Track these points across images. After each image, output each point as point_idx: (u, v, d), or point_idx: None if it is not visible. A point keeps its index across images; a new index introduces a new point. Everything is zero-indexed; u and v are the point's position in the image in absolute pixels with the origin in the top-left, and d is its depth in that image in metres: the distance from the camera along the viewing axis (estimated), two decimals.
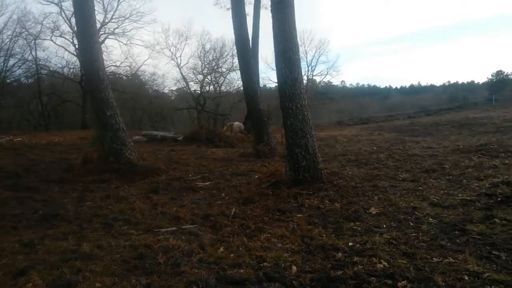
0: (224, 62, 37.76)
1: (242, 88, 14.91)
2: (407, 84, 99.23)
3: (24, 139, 17.12)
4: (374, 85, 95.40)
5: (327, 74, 46.61)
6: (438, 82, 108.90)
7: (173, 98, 46.64)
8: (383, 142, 13.15)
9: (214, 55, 37.66)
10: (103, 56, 12.27)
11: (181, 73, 37.37)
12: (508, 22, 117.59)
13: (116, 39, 31.87)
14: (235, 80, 39.83)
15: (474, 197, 5.38)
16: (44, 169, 9.22)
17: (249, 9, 15.15)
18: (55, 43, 30.12)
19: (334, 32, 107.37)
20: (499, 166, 7.35)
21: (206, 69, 37.82)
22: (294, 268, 3.38)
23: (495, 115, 20.63)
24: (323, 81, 50.51)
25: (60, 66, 32.29)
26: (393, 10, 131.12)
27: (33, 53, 29.67)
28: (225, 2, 18.82)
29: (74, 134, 20.65)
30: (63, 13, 28.46)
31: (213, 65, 37.83)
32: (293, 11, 6.77)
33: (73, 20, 25.26)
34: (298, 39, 7.06)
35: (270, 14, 6.88)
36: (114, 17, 30.68)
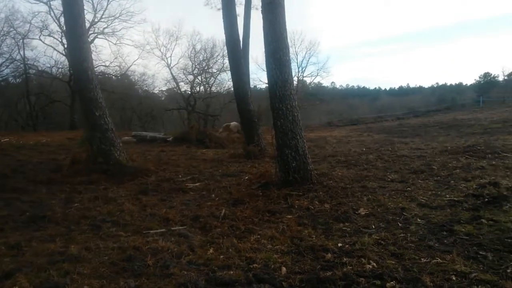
0: (215, 62, 37.73)
1: (232, 89, 14.86)
2: (396, 85, 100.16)
3: (12, 139, 16.90)
4: (363, 87, 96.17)
5: (317, 75, 46.83)
6: (426, 84, 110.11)
7: (163, 98, 46.47)
8: (372, 143, 13.24)
9: (205, 56, 37.60)
10: (92, 55, 12.17)
11: (171, 73, 37.24)
12: (495, 25, 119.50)
13: (106, 39, 31.63)
14: (226, 80, 39.91)
15: (461, 198, 5.45)
16: (31, 170, 9.10)
17: (240, 10, 15.11)
18: (43, 42, 29.82)
19: (324, 33, 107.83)
20: (486, 167, 7.45)
21: (196, 69, 37.76)
22: (283, 269, 3.38)
23: (483, 116, 20.91)
24: (313, 82, 50.76)
25: (49, 65, 31.98)
26: (382, 12, 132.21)
27: (21, 52, 29.34)
28: (216, 2, 18.73)
29: (62, 135, 20.43)
30: (52, 12, 28.18)
31: (203, 65, 37.77)
32: (284, 12, 6.79)
33: (62, 19, 25.07)
34: (289, 40, 7.09)
35: (261, 15, 6.88)
36: (103, 16, 30.44)
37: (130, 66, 35.72)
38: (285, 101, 6.64)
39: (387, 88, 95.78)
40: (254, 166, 9.36)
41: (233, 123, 19.57)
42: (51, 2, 27.68)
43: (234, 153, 11.46)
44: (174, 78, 37.45)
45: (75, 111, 29.23)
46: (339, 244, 3.92)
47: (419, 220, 4.60)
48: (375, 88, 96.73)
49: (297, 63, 44.62)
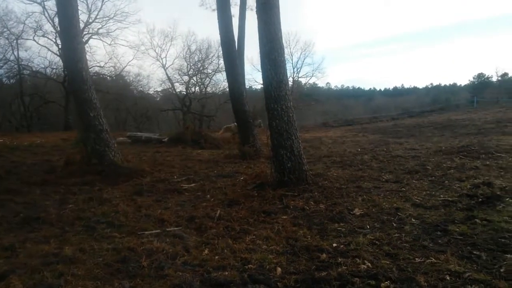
0: (210, 63, 37.76)
1: (228, 90, 14.87)
2: (390, 86, 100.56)
3: (6, 140, 16.79)
4: (358, 87, 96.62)
5: (312, 76, 47.04)
6: (421, 85, 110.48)
7: (158, 99, 46.40)
8: (367, 144, 13.27)
9: (200, 56, 37.62)
10: (87, 56, 12.09)
11: (166, 74, 37.21)
12: (489, 26, 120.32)
13: (100, 39, 31.54)
14: (221, 81, 39.89)
15: (455, 198, 5.48)
16: (25, 171, 9.05)
17: (235, 11, 15.10)
18: (37, 43, 29.66)
19: (319, 35, 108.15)
20: (480, 167, 7.49)
21: (191, 70, 37.76)
22: (278, 269, 3.39)
23: (477, 117, 21.03)
24: (309, 83, 50.87)
25: (43, 66, 31.83)
26: (376, 13, 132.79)
27: (15, 53, 29.19)
28: (211, 3, 18.69)
29: (56, 136, 20.33)
30: (46, 13, 28.04)
31: (198, 66, 37.77)
32: (278, 12, 6.80)
33: (56, 19, 24.91)
34: (284, 41, 7.10)
35: (256, 16, 6.89)
36: (98, 17, 30.34)
37: (125, 66, 35.64)
38: (280, 101, 6.65)
39: (382, 89, 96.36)
40: (250, 166, 9.36)
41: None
42: (45, 3, 27.61)
43: (230, 154, 11.45)
44: (169, 78, 37.46)
45: (69, 112, 29.10)
46: (334, 244, 3.93)
47: (414, 220, 4.62)
48: (370, 88, 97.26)
49: (292, 63, 44.82)
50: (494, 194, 5.40)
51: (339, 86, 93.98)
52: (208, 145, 14.79)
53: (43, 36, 29.35)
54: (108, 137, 8.93)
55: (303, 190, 6.23)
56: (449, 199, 5.44)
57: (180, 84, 38.78)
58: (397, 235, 4.13)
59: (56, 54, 29.90)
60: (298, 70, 46.09)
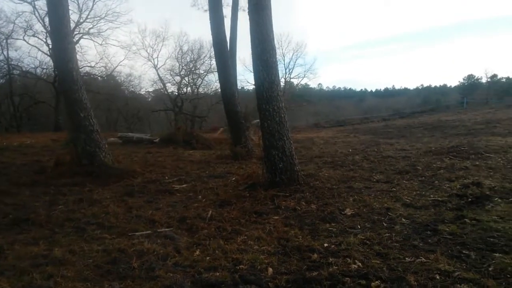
0: (202, 63, 37.68)
1: (220, 90, 14.85)
2: (381, 87, 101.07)
3: None
4: (350, 88, 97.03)
5: (304, 77, 47.08)
6: (412, 86, 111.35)
7: (149, 99, 46.18)
8: (358, 144, 13.34)
9: (192, 57, 37.53)
10: (78, 56, 12.04)
11: (158, 74, 37.06)
12: (479, 28, 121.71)
13: (91, 39, 31.33)
14: (213, 82, 39.84)
15: (445, 197, 5.53)
16: (15, 172, 8.96)
17: (227, 11, 15.10)
18: (27, 42, 29.37)
19: (311, 36, 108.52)
20: (469, 168, 7.57)
21: (183, 70, 37.64)
22: (270, 270, 3.39)
23: (466, 118, 21.25)
24: (300, 84, 50.98)
25: (33, 66, 31.52)
26: (368, 14, 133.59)
27: (5, 52, 28.89)
28: (203, 3, 18.73)
29: (46, 136, 20.13)
30: (36, 12, 27.78)
31: (190, 66, 37.68)
32: (270, 13, 6.80)
33: (46, 19, 24.64)
34: (276, 42, 7.12)
35: (248, 17, 6.89)
36: (89, 17, 30.15)
37: (116, 66, 35.53)
38: (272, 102, 6.66)
39: (373, 90, 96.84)
40: (241, 167, 9.35)
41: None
42: (36, 2, 27.33)
43: (221, 154, 11.44)
44: (161, 79, 37.31)
45: (59, 112, 28.87)
46: (325, 244, 3.94)
47: (404, 220, 4.66)
48: (361, 89, 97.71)
49: (284, 64, 44.88)
50: (483, 194, 5.46)
51: (331, 87, 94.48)
52: (199, 146, 14.76)
53: (33, 36, 29.13)
54: (98, 138, 8.87)
55: (295, 191, 6.24)
56: (439, 199, 5.49)
57: (172, 85, 38.72)
58: (387, 234, 4.16)
59: (46, 54, 29.69)
60: (290, 71, 46.20)
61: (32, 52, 36.38)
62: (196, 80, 39.03)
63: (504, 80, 60.56)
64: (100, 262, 3.62)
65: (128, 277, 3.31)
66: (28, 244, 4.22)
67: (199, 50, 37.23)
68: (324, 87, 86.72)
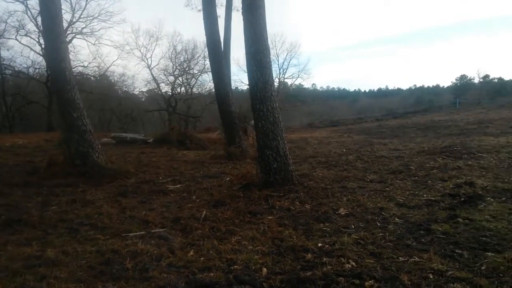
0: (196, 63, 37.61)
1: (213, 90, 14.84)
2: (375, 87, 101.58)
3: None
4: (343, 88, 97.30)
5: (298, 77, 47.09)
6: (405, 86, 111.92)
7: (143, 99, 45.99)
8: (352, 144, 13.39)
9: (186, 57, 37.45)
10: (70, 56, 11.96)
11: (151, 74, 36.93)
12: (470, 29, 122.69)
13: (84, 39, 31.15)
14: (207, 82, 39.82)
15: (438, 197, 5.57)
16: (7, 173, 8.87)
17: (220, 11, 15.08)
18: (20, 42, 29.10)
19: (305, 36, 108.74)
20: (462, 167, 7.63)
21: (177, 70, 37.55)
22: (264, 270, 3.39)
23: (459, 118, 21.40)
24: (294, 84, 50.97)
25: (25, 66, 31.24)
26: (361, 15, 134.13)
27: None
28: (196, 3, 18.64)
29: (39, 136, 19.96)
30: (28, 12, 27.56)
31: (184, 66, 37.59)
32: (264, 13, 6.81)
33: (39, 19, 24.49)
34: (270, 42, 7.12)
35: (241, 17, 6.89)
36: (82, 16, 29.97)
37: (109, 66, 35.37)
38: (265, 102, 6.66)
39: (367, 90, 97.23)
40: (235, 167, 9.34)
41: None
42: (28, 2, 27.12)
43: (215, 155, 11.41)
44: (154, 79, 37.19)
45: (52, 112, 28.64)
46: (319, 244, 3.95)
47: (397, 219, 4.68)
48: (355, 90, 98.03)
49: (278, 64, 44.84)
50: (476, 194, 5.51)
51: (325, 87, 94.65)
52: (193, 146, 14.72)
53: (25, 35, 28.89)
54: (91, 138, 8.82)
55: (289, 191, 6.25)
56: (432, 198, 5.52)
57: (165, 85, 38.62)
58: (381, 234, 4.18)
59: (39, 53, 29.48)
60: (284, 71, 46.18)
61: (25, 51, 36.24)
62: (190, 80, 39.00)
63: (496, 80, 61.16)
64: (94, 263, 3.60)
65: (122, 278, 3.30)
66: (20, 245, 4.19)
67: (193, 50, 37.20)
68: (318, 87, 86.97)
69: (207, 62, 30.92)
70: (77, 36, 30.52)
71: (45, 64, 27.92)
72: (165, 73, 37.61)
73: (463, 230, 4.17)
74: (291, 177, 6.70)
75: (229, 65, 14.89)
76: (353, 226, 4.53)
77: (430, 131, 16.35)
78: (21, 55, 31.45)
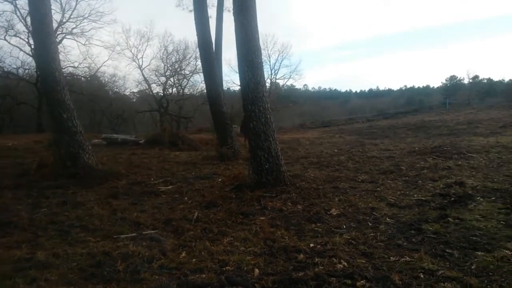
0: (188, 64, 37.45)
1: (205, 91, 14.80)
2: (366, 88, 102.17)
3: None
4: (335, 89, 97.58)
5: (290, 78, 47.11)
6: (395, 87, 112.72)
7: (134, 100, 45.66)
8: (343, 145, 13.46)
9: (177, 57, 37.28)
10: (60, 56, 11.86)
11: (142, 74, 36.72)
12: (461, 30, 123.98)
13: (74, 39, 30.86)
14: (199, 82, 39.59)
15: (429, 197, 5.62)
16: None
17: (212, 12, 15.08)
18: (9, 42, 28.73)
19: (297, 37, 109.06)
20: (452, 167, 7.70)
21: (169, 71, 37.38)
22: (256, 271, 3.38)
23: (449, 118, 21.61)
24: (286, 85, 51.00)
25: (15, 66, 30.79)
26: (352, 16, 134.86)
27: None
28: (187, 3, 18.55)
29: (29, 138, 19.75)
30: (18, 12, 27.22)
31: (176, 67, 37.42)
32: (255, 14, 6.81)
33: (28, 19, 24.26)
34: (261, 43, 7.13)
35: (233, 17, 6.89)
36: (72, 16, 29.68)
37: (100, 67, 34.97)
38: (257, 103, 6.66)
39: (358, 91, 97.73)
40: (228, 168, 9.34)
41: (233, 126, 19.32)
42: (17, 1, 26.94)
43: (207, 156, 11.40)
44: (145, 79, 36.99)
45: (42, 114, 28.33)
46: (311, 245, 3.96)
47: (388, 219, 4.71)
48: (346, 90, 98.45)
49: (270, 65, 44.83)
50: (466, 193, 5.57)
51: (316, 87, 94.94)
52: (185, 147, 14.69)
53: (15, 35, 28.50)
54: (82, 139, 8.74)
55: (281, 191, 6.26)
56: (422, 198, 5.57)
57: (157, 85, 38.41)
58: (372, 234, 4.20)
59: (28, 54, 29.11)
60: (276, 72, 46.16)
61: (14, 52, 35.68)
62: (181, 80, 38.85)
63: (485, 81, 61.78)
64: (84, 265, 3.57)
65: (113, 280, 3.27)
66: (10, 248, 4.13)
67: (184, 50, 37.05)
68: (310, 88, 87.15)
69: (199, 62, 30.75)
70: (67, 36, 30.28)
71: (34, 64, 27.59)
72: (157, 73, 37.47)
73: (453, 230, 4.21)
74: (283, 177, 6.71)
75: (221, 65, 14.92)
76: (344, 226, 4.55)
77: (420, 131, 16.50)
78: (11, 56, 31.13)
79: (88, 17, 30.01)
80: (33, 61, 28.02)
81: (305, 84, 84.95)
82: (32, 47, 26.54)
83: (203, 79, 14.94)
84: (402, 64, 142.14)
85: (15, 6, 26.91)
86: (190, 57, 36.87)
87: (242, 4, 6.68)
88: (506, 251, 3.53)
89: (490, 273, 3.14)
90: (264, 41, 41.44)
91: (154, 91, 37.98)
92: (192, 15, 12.29)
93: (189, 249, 4.00)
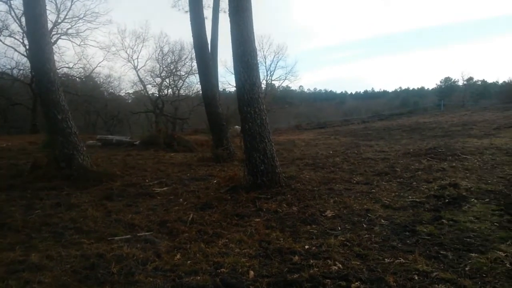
0: (183, 65, 37.29)
1: (201, 92, 14.79)
2: (361, 89, 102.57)
3: None
4: (330, 91, 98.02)
5: (285, 79, 47.14)
6: (390, 88, 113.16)
7: (130, 101, 45.45)
8: (339, 146, 13.48)
9: (173, 58, 37.11)
10: (55, 57, 11.79)
11: (138, 75, 36.52)
12: (455, 32, 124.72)
13: (69, 40, 30.60)
14: (194, 83, 39.52)
15: (423, 199, 5.64)
16: None
17: (207, 13, 15.08)
18: (3, 43, 28.47)
19: (292, 37, 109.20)
20: (447, 169, 7.73)
21: (164, 72, 37.20)
22: (251, 273, 3.38)
23: (444, 120, 21.68)
24: (282, 86, 51.02)
25: (9, 67, 30.51)
26: (347, 17, 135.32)
27: None
28: (183, 4, 18.52)
29: (23, 139, 19.60)
30: (12, 12, 26.95)
31: (171, 68, 37.27)
32: (251, 16, 6.82)
33: (23, 19, 24.03)
34: (257, 44, 7.14)
35: (229, 18, 6.89)
36: (67, 17, 29.44)
37: (95, 68, 34.83)
38: (253, 104, 6.67)
39: (353, 92, 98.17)
40: (223, 169, 9.32)
41: (237, 127, 19.26)
42: (12, 1, 26.62)
43: (203, 157, 11.37)
44: (141, 80, 36.79)
45: (37, 114, 28.15)
46: (306, 246, 3.97)
47: (383, 221, 4.73)
48: (342, 92, 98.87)
49: (266, 66, 44.81)
50: (460, 195, 5.60)
51: (312, 89, 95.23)
52: (181, 148, 14.63)
53: (9, 36, 28.23)
54: (76, 140, 8.69)
55: (276, 193, 6.26)
56: (417, 200, 5.59)
57: (152, 86, 38.20)
58: (367, 236, 4.21)
59: (23, 54, 28.85)
60: (272, 73, 46.13)
61: (8, 52, 35.43)
62: (177, 81, 38.69)
63: (479, 83, 62.28)
64: (78, 268, 3.56)
65: (107, 282, 3.26)
66: (4, 250, 4.10)
67: (180, 51, 36.90)
68: (305, 89, 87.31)
69: (194, 63, 30.78)
70: (62, 37, 30.04)
71: (29, 65, 27.37)
72: (152, 74, 37.28)
73: (447, 231, 4.23)
74: (278, 179, 6.72)
75: (217, 66, 14.91)
76: (339, 228, 4.56)
77: (415, 133, 16.54)
78: (5, 56, 30.92)
79: (83, 18, 29.80)
80: (28, 61, 27.81)
81: (300, 86, 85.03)
82: (27, 47, 26.33)
83: (198, 80, 14.88)
84: (397, 66, 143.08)
85: (10, 6, 26.70)
86: (185, 58, 36.78)
87: (237, 5, 6.68)
88: (500, 253, 3.55)
89: (484, 275, 3.16)
90: (259, 42, 41.51)
91: (150, 92, 37.85)
92: (187, 16, 12.28)
93: (184, 251, 3.99)
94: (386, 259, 3.54)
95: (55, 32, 28.77)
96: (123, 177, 8.40)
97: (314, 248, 3.92)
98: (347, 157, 10.24)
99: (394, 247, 3.85)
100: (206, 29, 12.60)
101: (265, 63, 44.41)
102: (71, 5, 29.08)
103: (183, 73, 37.72)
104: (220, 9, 15.02)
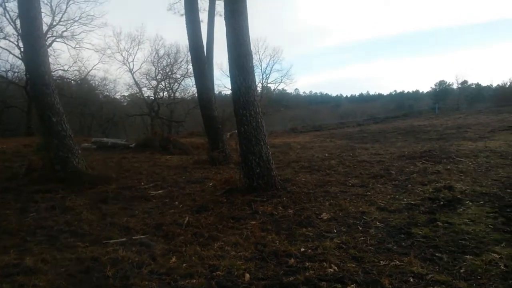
0: (179, 68, 37.27)
1: (196, 95, 14.78)
2: (356, 92, 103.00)
3: None
4: (326, 94, 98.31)
5: (281, 82, 47.30)
6: (385, 91, 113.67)
7: (125, 104, 45.34)
8: (334, 149, 13.51)
9: (168, 61, 37.08)
10: (50, 59, 11.76)
11: (133, 78, 36.48)
12: (451, 35, 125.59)
13: (65, 43, 30.48)
14: (190, 86, 39.40)
15: (418, 201, 5.66)
16: None
17: (203, 16, 15.12)
18: None
19: (288, 41, 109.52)
20: (441, 172, 7.77)
21: (160, 74, 37.16)
22: (247, 275, 3.38)
23: (438, 123, 21.78)
24: (277, 89, 51.19)
25: (4, 69, 30.32)
26: (342, 20, 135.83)
27: None
28: (179, 8, 18.56)
29: (18, 141, 19.50)
30: (7, 14, 26.81)
31: (167, 71, 37.23)
32: (247, 19, 6.84)
33: (18, 21, 23.93)
34: (253, 47, 7.14)
35: (224, 22, 6.90)
36: (62, 19, 29.33)
37: (90, 70, 34.65)
38: (248, 107, 6.68)
39: (348, 95, 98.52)
40: (219, 172, 9.31)
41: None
42: (6, 4, 26.44)
43: (199, 160, 11.36)
44: (136, 83, 36.74)
45: (32, 117, 27.99)
46: (302, 249, 3.97)
47: (378, 223, 4.74)
48: (337, 95, 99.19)
49: (261, 69, 45.01)
50: (455, 198, 5.63)
51: (307, 92, 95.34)
52: (177, 151, 14.60)
53: (4, 38, 28.02)
54: (71, 143, 8.66)
55: (272, 196, 6.26)
56: (412, 202, 5.61)
57: (148, 89, 38.13)
58: (362, 238, 4.22)
59: (18, 57, 28.69)
60: (267, 76, 46.35)
61: (3, 55, 35.54)
62: (172, 84, 38.65)
63: (474, 86, 62.61)
64: (73, 271, 3.54)
65: (102, 286, 3.25)
66: None
67: (176, 54, 36.88)
68: (301, 92, 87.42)
69: (190, 66, 30.62)
70: (57, 39, 29.92)
71: (24, 67, 27.28)
72: (148, 77, 37.23)
73: (442, 234, 4.25)
74: (274, 182, 6.72)
75: (212, 69, 14.91)
76: (335, 231, 4.57)
77: (410, 136, 16.61)
78: (0, 59, 30.77)
79: (79, 20, 29.68)
80: (23, 64, 27.69)
81: (296, 89, 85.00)
82: (22, 50, 26.24)
83: (194, 83, 14.90)
84: (393, 69, 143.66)
85: (5, 8, 26.58)
86: (181, 61, 36.77)
87: (233, 8, 6.70)
88: (494, 255, 3.57)
89: (479, 277, 3.17)
90: (255, 45, 41.70)
91: (145, 95, 37.77)
92: (183, 19, 12.28)
93: (180, 254, 3.98)
94: (381, 262, 3.55)
95: (50, 35, 28.67)
96: (118, 180, 8.37)
97: (309, 250, 3.93)
98: (343, 160, 10.26)
99: (390, 250, 3.86)
100: (202, 32, 12.63)
101: (261, 66, 44.66)
102: (66, 7, 28.98)
103: (179, 76, 37.73)
104: (215, 13, 15.07)
